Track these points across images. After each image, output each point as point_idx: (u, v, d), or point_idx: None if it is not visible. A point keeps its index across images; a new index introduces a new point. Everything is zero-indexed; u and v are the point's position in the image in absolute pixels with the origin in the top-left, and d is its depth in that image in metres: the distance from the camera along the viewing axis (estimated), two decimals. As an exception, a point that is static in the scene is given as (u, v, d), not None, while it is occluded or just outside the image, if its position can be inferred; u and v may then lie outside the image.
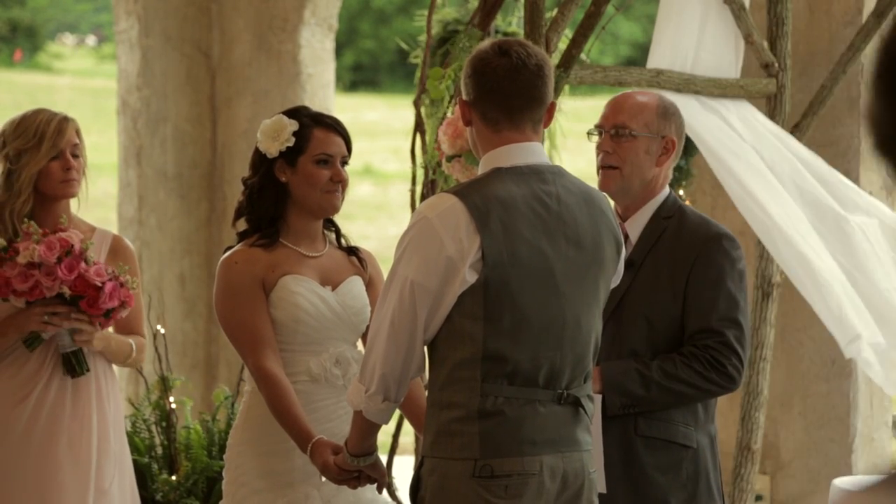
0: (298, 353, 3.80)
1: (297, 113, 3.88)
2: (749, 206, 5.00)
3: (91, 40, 31.42)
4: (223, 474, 3.89)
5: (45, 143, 4.32)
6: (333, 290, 3.86)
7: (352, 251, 3.97)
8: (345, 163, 3.87)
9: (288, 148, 3.81)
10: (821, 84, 5.57)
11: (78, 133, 4.41)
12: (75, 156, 4.37)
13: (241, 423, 3.85)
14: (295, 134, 3.82)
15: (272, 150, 3.82)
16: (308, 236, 3.89)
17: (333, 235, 3.99)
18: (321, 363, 3.80)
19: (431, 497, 3.28)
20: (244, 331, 3.77)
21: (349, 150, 3.89)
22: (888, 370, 4.97)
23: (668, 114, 3.89)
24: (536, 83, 3.32)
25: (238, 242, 3.88)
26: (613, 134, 3.87)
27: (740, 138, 5.09)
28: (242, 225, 3.92)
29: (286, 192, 3.84)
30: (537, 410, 3.27)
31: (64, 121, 4.37)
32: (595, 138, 3.92)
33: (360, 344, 3.95)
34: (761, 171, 5.02)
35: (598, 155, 3.90)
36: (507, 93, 3.31)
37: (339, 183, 3.84)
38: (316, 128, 3.84)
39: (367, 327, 3.88)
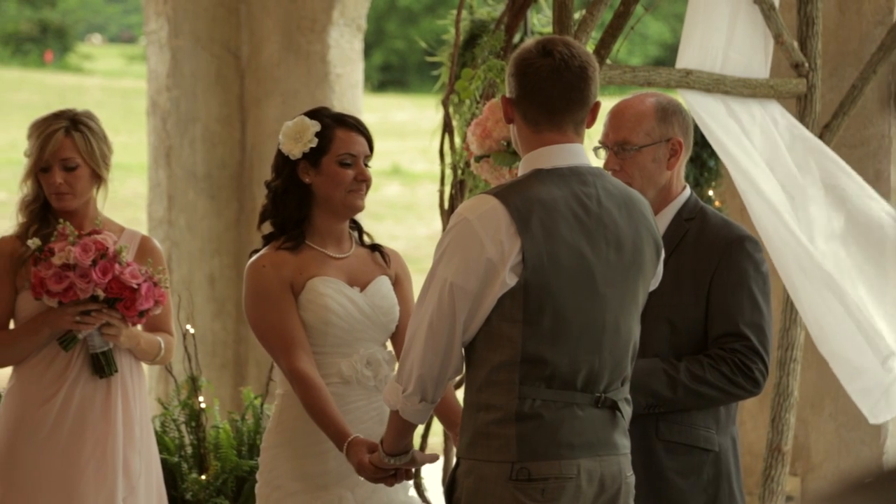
0: (329, 356, 3.81)
1: (318, 114, 3.88)
2: (763, 224, 4.98)
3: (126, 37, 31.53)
4: (257, 477, 3.90)
5: (33, 156, 4.32)
6: (362, 290, 3.86)
7: (375, 248, 3.97)
8: (366, 164, 3.87)
9: (311, 149, 3.82)
10: (851, 84, 5.55)
11: (75, 142, 4.30)
12: (68, 168, 4.29)
13: (275, 426, 3.86)
14: (318, 135, 3.82)
15: (295, 151, 3.82)
16: (334, 237, 3.89)
17: (357, 234, 3.99)
18: (352, 365, 3.80)
19: (467, 499, 3.27)
20: (276, 334, 3.77)
21: (371, 149, 3.89)
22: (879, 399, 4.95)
23: (668, 114, 3.86)
24: (579, 84, 3.30)
25: (264, 245, 3.88)
26: (617, 150, 3.85)
27: (755, 150, 5.05)
28: (268, 228, 3.93)
29: (310, 193, 3.84)
30: (575, 414, 3.26)
31: (51, 134, 4.28)
32: (602, 153, 3.90)
33: (389, 344, 3.95)
34: (766, 193, 4.99)
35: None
36: (549, 94, 3.29)
37: (364, 182, 3.84)
38: (338, 128, 3.84)
39: (397, 327, 3.89)
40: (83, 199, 4.35)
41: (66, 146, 4.30)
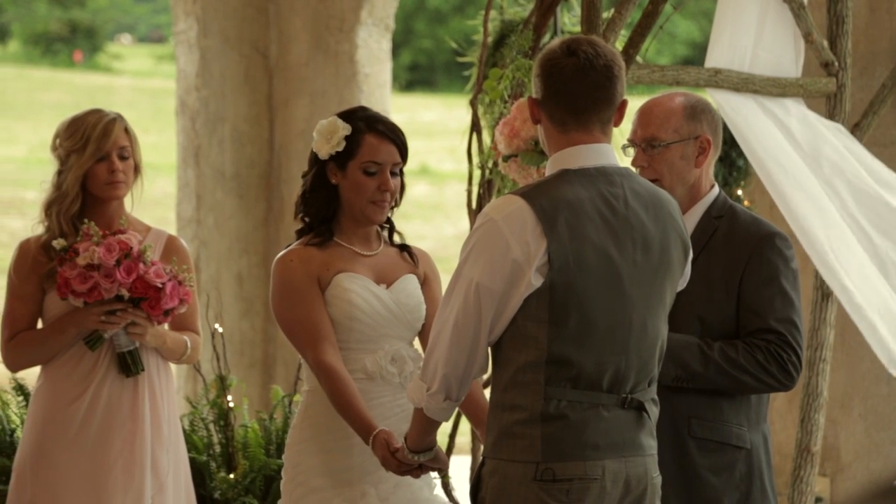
0: (354, 352, 3.82)
1: (352, 116, 3.87)
2: (793, 222, 4.95)
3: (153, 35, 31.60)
4: (282, 474, 3.91)
5: (90, 146, 4.33)
6: (388, 287, 3.87)
7: (403, 248, 3.97)
8: (394, 173, 3.84)
9: (338, 152, 3.82)
10: (881, 83, 5.52)
11: (128, 133, 4.40)
12: (123, 157, 4.37)
13: (299, 423, 3.87)
14: (346, 139, 3.82)
15: (323, 152, 3.83)
16: (362, 235, 3.90)
17: (386, 233, 3.99)
18: (377, 361, 3.81)
19: (492, 498, 3.27)
20: (302, 327, 3.78)
21: (404, 157, 3.86)
22: None
23: (697, 112, 3.86)
24: (604, 83, 3.30)
25: (296, 240, 3.90)
26: (645, 147, 3.85)
27: (796, 145, 5.03)
28: (300, 223, 3.94)
29: (337, 194, 3.85)
30: (601, 415, 3.26)
31: (111, 122, 4.37)
32: (630, 151, 3.90)
33: (417, 343, 3.95)
34: (805, 186, 4.96)
35: (635, 169, 3.88)
36: (574, 94, 3.29)
37: (386, 192, 3.83)
38: (368, 134, 3.83)
39: (423, 325, 3.90)
40: (129, 190, 4.41)
41: (122, 135, 4.39)
